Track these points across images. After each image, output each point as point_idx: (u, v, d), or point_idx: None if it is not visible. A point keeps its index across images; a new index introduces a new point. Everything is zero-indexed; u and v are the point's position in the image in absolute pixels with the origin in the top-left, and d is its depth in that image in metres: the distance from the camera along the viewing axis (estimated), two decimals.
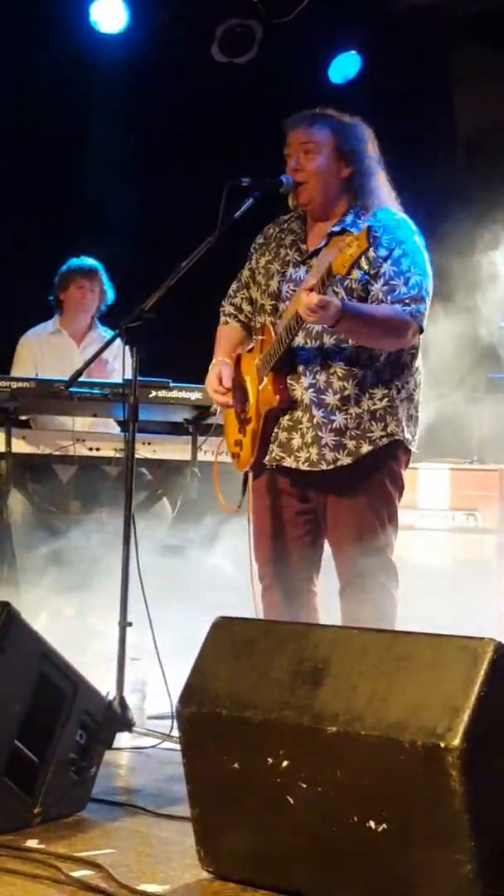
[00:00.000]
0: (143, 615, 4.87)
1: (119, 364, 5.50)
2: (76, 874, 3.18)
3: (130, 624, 4.91)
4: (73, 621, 5.73)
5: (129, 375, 5.02)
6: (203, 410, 6.33)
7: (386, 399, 4.50)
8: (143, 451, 6.24)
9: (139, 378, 4.98)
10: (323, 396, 4.49)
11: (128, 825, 3.71)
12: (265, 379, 4.56)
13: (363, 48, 8.17)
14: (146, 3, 7.85)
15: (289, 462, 4.54)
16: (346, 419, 4.48)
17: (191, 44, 7.90)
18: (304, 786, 3.02)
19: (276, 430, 4.56)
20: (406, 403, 4.56)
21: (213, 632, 3.35)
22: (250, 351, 4.72)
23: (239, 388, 4.70)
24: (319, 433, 4.47)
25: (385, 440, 4.51)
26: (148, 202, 7.89)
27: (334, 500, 4.55)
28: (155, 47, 7.88)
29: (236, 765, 3.15)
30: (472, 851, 2.78)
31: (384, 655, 3.02)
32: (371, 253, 4.35)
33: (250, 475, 4.74)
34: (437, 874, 2.82)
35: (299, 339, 4.48)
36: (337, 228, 4.49)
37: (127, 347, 4.98)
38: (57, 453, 6.33)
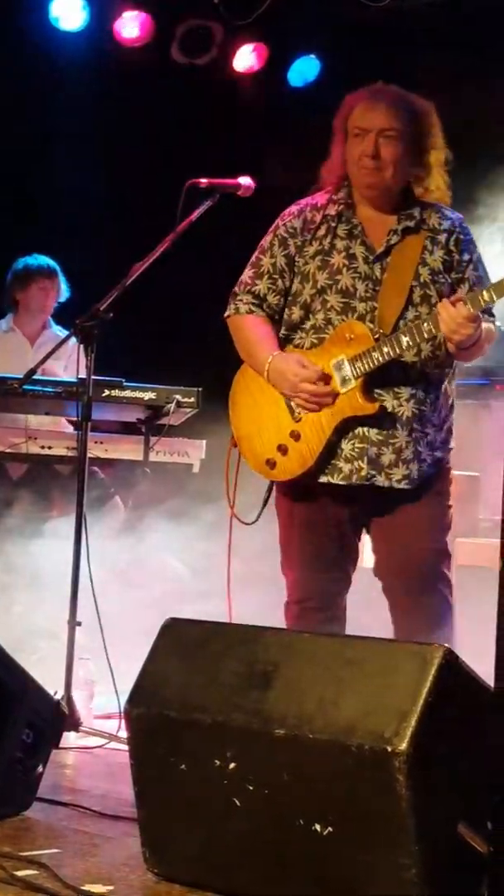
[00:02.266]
0: (92, 614, 4.87)
1: (73, 364, 5.50)
2: (21, 874, 3.16)
3: (80, 623, 4.91)
4: (21, 620, 5.71)
5: (82, 374, 5.02)
6: (156, 410, 6.31)
7: (452, 413, 4.34)
8: (95, 450, 6.21)
9: (93, 377, 4.98)
10: (423, 408, 4.20)
11: (73, 825, 3.70)
12: (353, 382, 4.13)
13: (323, 51, 8.18)
14: (106, 1, 7.83)
15: (381, 481, 4.17)
16: (436, 433, 4.25)
17: (150, 43, 7.88)
18: (251, 788, 3.02)
19: (361, 445, 4.15)
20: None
21: (163, 633, 3.35)
22: (300, 346, 4.28)
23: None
24: (419, 448, 4.19)
25: (451, 450, 4.34)
26: (106, 200, 7.87)
27: (411, 509, 4.23)
28: (115, 46, 7.86)
29: (184, 766, 3.15)
30: (417, 855, 2.78)
31: (334, 659, 3.02)
32: (455, 256, 4.23)
33: (274, 486, 4.37)
34: (381, 878, 2.82)
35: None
36: (412, 224, 4.23)
37: (81, 346, 4.98)
38: (8, 451, 6.30)
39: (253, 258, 4.40)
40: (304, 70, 8.27)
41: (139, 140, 7.97)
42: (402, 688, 2.86)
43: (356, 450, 4.15)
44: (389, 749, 2.79)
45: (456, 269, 4.24)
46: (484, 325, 4.14)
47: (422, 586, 4.25)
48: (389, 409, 4.15)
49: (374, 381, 4.14)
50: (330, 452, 4.17)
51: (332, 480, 4.18)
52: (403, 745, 2.78)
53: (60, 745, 4.22)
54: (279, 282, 4.32)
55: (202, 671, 3.20)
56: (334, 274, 4.22)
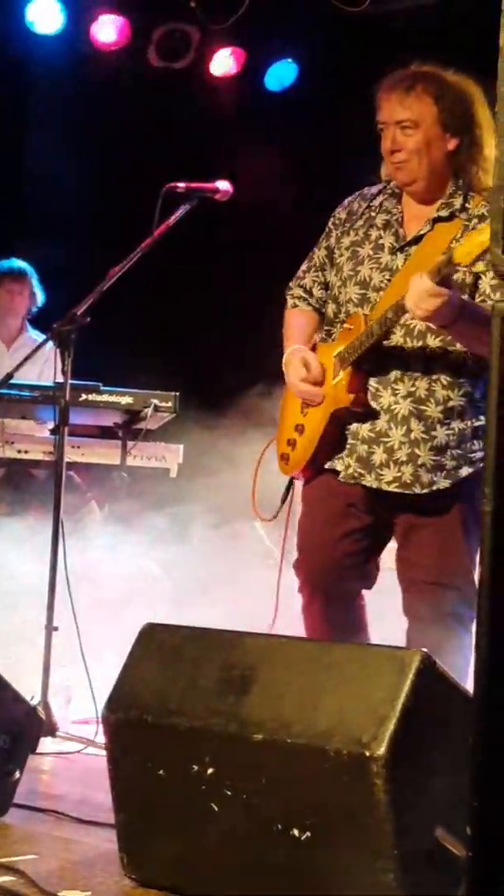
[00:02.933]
0: (68, 618, 4.86)
1: (49, 368, 5.49)
2: None
3: (56, 628, 4.90)
4: None
5: (59, 378, 5.01)
6: (133, 415, 6.31)
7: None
8: (71, 455, 6.20)
9: (70, 381, 4.98)
10: (423, 407, 3.90)
11: (50, 831, 3.68)
12: (341, 373, 3.97)
13: (301, 56, 8.19)
14: (83, 5, 7.82)
15: (369, 481, 3.94)
16: (448, 435, 3.91)
17: (127, 47, 7.88)
18: (229, 793, 3.02)
19: (352, 441, 3.97)
20: None
21: (140, 638, 3.34)
22: (327, 341, 4.13)
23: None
24: (416, 450, 3.90)
25: (478, 463, 3.92)
26: (83, 204, 7.87)
27: (421, 530, 3.98)
28: (91, 49, 7.86)
29: (162, 771, 3.15)
30: (395, 860, 2.78)
31: (312, 664, 3.02)
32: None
33: (296, 482, 4.25)
34: (360, 882, 2.82)
35: (398, 337, 3.90)
36: (445, 213, 3.94)
37: (58, 350, 4.98)
38: None
39: (311, 251, 4.27)
40: (281, 74, 8.28)
41: (116, 144, 7.97)
42: (380, 692, 2.86)
43: (348, 445, 3.99)
44: (367, 753, 2.79)
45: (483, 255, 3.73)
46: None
47: (430, 616, 3.94)
48: (385, 406, 3.94)
49: (373, 373, 3.95)
50: (331, 445, 4.01)
51: (335, 467, 4.01)
52: (381, 750, 2.78)
53: (37, 751, 4.20)
54: (321, 275, 4.21)
55: (180, 676, 3.20)
56: (357, 265, 4.04)
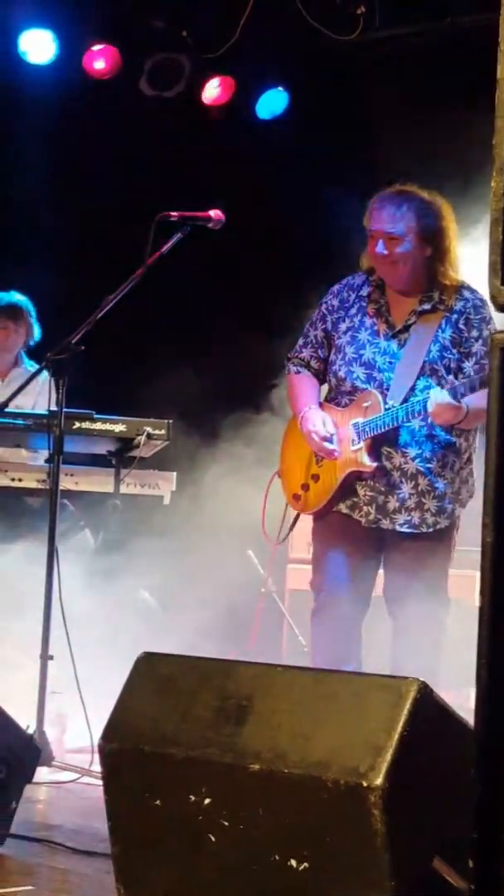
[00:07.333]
0: (64, 647, 4.85)
1: (44, 398, 5.50)
2: None
3: (52, 657, 4.89)
4: None
5: (53, 407, 5.02)
6: (126, 442, 6.30)
7: (470, 464, 4.88)
8: (65, 483, 6.18)
9: (63, 409, 4.98)
10: (429, 465, 4.79)
11: (47, 862, 3.68)
12: (361, 443, 4.81)
13: (291, 84, 8.22)
14: (75, 35, 7.85)
15: (385, 524, 4.81)
16: (445, 485, 4.81)
17: (119, 76, 7.91)
18: (226, 823, 3.02)
19: (371, 493, 4.81)
20: (476, 469, 4.88)
21: (136, 667, 3.34)
22: (339, 405, 4.92)
23: None
24: (423, 500, 4.79)
25: (467, 505, 4.86)
26: (76, 233, 7.88)
27: (419, 560, 4.81)
28: (84, 79, 7.88)
29: (158, 801, 3.14)
30: (392, 891, 2.78)
31: (308, 694, 3.02)
32: (465, 333, 4.76)
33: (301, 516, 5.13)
34: None
35: None
36: (428, 307, 4.80)
37: (52, 379, 4.99)
38: None
39: (305, 328, 5.07)
40: (271, 103, 8.30)
41: (109, 172, 7.98)
42: (377, 722, 2.86)
43: (367, 497, 4.82)
44: (364, 784, 2.79)
45: (464, 344, 4.78)
46: (483, 402, 4.40)
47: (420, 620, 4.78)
48: (397, 465, 4.79)
49: (386, 440, 4.78)
50: (344, 494, 4.85)
51: (352, 515, 4.84)
52: (379, 780, 2.78)
53: (33, 781, 4.19)
54: (319, 351, 5.03)
55: (176, 706, 3.20)
56: (359, 349, 4.86)
